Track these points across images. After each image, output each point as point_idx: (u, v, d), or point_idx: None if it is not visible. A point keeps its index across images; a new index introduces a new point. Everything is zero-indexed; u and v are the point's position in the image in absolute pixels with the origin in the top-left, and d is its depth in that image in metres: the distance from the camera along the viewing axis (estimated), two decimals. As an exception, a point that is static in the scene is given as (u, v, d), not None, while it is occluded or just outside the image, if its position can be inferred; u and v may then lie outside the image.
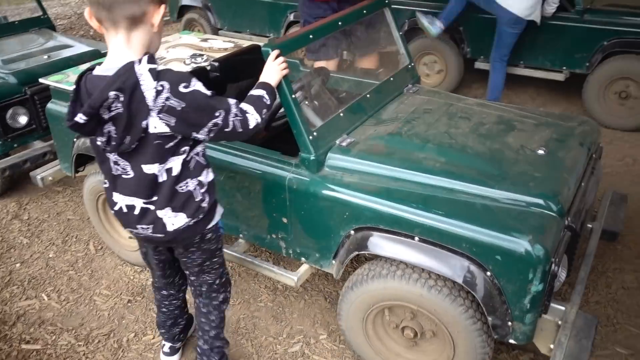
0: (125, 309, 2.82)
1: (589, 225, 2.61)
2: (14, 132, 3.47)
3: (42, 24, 4.31)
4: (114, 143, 1.70)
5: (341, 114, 2.38)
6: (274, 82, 2.06)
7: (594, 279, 2.90)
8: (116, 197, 1.88)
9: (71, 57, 3.71)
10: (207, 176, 1.93)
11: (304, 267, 2.46)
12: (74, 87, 1.70)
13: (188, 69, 3.05)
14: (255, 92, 1.99)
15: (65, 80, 2.89)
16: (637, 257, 3.04)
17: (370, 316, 2.25)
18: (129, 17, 1.65)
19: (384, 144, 2.29)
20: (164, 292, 2.35)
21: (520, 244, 1.81)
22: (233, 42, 3.50)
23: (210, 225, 2.01)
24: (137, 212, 1.87)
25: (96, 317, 2.78)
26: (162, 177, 1.81)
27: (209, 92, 1.75)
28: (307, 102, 2.47)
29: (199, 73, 2.86)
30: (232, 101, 1.84)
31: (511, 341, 1.98)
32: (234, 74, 3.06)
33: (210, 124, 1.76)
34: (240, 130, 1.84)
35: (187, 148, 1.81)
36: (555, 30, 4.43)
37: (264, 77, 2.06)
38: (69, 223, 3.57)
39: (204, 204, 1.92)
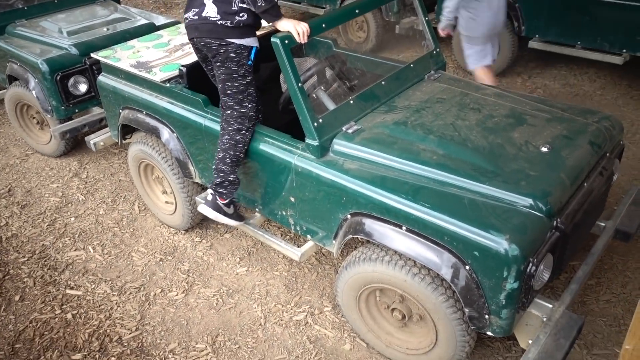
0: (157, 267, 3.13)
1: (602, 224, 2.57)
2: (75, 99, 3.83)
3: (107, -5, 4.63)
4: None
5: (351, 101, 2.47)
6: (281, 23, 2.34)
7: (610, 277, 2.85)
8: None
9: (128, 30, 3.98)
10: (251, 16, 2.37)
11: (309, 244, 2.62)
12: None
13: None
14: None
15: (113, 56, 3.15)
16: (664, 259, 2.93)
17: (362, 295, 2.38)
18: None
19: (388, 133, 2.36)
20: None
21: (497, 242, 1.86)
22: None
23: (233, 41, 2.38)
24: None
25: (131, 271, 3.11)
26: None
27: None
28: (322, 88, 2.58)
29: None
30: None
31: (488, 333, 2.05)
32: (268, 53, 3.20)
33: None
34: None
35: None
36: (616, 10, 4.16)
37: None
38: (120, 184, 3.93)
39: (237, 17, 2.33)
